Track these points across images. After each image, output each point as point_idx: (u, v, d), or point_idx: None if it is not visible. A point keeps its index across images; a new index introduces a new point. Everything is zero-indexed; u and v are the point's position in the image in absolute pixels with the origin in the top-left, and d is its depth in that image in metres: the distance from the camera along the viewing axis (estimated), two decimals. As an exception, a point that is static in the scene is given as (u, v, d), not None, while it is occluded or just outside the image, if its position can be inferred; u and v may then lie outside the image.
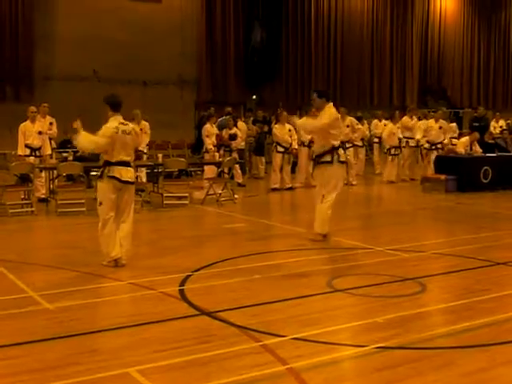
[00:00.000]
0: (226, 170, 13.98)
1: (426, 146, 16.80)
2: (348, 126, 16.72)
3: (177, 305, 5.99)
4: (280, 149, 15.39)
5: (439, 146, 16.90)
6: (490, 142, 17.64)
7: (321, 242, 8.70)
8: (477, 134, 16.52)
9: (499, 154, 16.49)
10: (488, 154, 15.95)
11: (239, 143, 16.67)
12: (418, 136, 16.92)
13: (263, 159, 18.50)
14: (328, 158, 8.63)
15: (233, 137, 16.44)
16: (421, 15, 28.42)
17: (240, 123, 17.75)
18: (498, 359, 4.71)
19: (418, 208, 12.99)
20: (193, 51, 22.51)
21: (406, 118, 17.66)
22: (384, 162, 17.83)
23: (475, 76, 30.14)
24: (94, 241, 9.00)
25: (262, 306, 5.94)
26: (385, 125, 18.89)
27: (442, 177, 14.95)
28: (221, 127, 16.35)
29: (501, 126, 22.09)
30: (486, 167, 15.06)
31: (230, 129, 16.59)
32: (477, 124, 19.65)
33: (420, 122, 17.56)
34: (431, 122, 17.09)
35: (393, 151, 17.17)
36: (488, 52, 30.37)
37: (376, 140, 19.70)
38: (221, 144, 16.00)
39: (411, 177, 17.50)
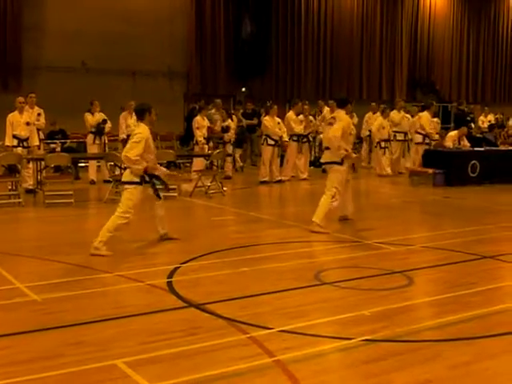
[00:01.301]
0: (216, 163, 13.96)
1: (426, 140, 16.90)
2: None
3: (165, 297, 5.99)
4: (270, 141, 15.36)
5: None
6: (478, 136, 17.72)
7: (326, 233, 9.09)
8: (465, 129, 16.60)
9: (487, 148, 16.56)
10: (476, 148, 16.03)
11: (232, 136, 16.71)
12: (431, 130, 16.97)
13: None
14: None
15: (225, 129, 16.45)
16: (410, 8, 28.41)
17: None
18: (484, 352, 4.74)
19: (405, 202, 13.03)
20: (182, 43, 22.42)
21: (394, 112, 17.69)
22: (376, 156, 17.81)
23: (464, 70, 30.21)
24: (82, 232, 9.01)
25: (250, 299, 5.95)
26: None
27: (430, 171, 15.01)
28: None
29: (489, 121, 22.17)
30: (473, 161, 15.14)
31: (224, 121, 16.62)
32: (469, 118, 19.75)
33: (421, 114, 17.54)
34: (427, 115, 17.13)
35: (383, 145, 17.22)
36: (477, 46, 30.44)
37: (367, 133, 19.68)
38: (210, 136, 15.99)
39: (399, 170, 17.57)
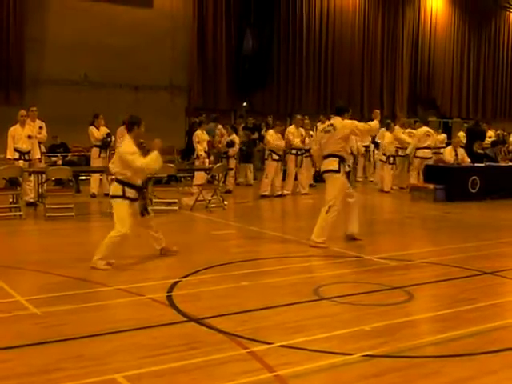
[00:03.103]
0: (217, 177, 13.97)
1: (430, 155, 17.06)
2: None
3: (164, 311, 5.98)
4: (275, 157, 15.43)
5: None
6: (480, 152, 17.75)
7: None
8: (458, 139, 16.76)
9: (487, 163, 16.59)
10: (476, 164, 16.06)
11: (236, 150, 16.76)
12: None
13: (251, 166, 18.53)
14: None
15: (230, 144, 16.51)
16: (411, 25, 28.58)
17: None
18: (484, 368, 4.73)
19: (406, 217, 13.05)
20: (184, 57, 22.54)
21: (398, 129, 17.67)
22: (381, 172, 17.71)
23: (465, 86, 30.34)
24: (83, 246, 9.01)
25: (250, 313, 5.94)
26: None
27: (431, 186, 15.02)
28: (208, 134, 16.45)
29: (489, 137, 22.18)
30: (474, 177, 15.16)
31: (229, 135, 16.70)
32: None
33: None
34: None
35: (391, 160, 17.20)
36: (478, 62, 30.59)
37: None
38: (210, 150, 16.05)
39: (400, 186, 17.58)
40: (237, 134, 17.31)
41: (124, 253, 8.03)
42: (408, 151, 17.46)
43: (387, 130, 17.51)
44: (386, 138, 17.34)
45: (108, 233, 7.69)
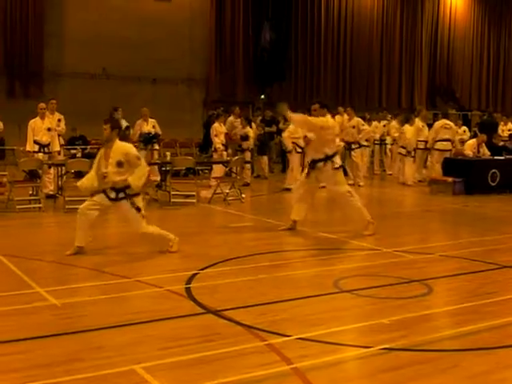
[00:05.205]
0: (235, 170, 13.96)
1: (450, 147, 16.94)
2: (354, 127, 16.82)
3: (183, 303, 6.00)
4: (298, 149, 15.38)
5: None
6: (500, 144, 17.57)
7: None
8: (484, 136, 16.46)
9: (507, 156, 16.43)
10: (496, 157, 15.91)
11: (251, 144, 16.71)
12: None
13: (266, 159, 18.48)
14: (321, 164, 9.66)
15: (245, 137, 16.49)
16: (431, 16, 28.36)
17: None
18: (502, 362, 4.70)
19: (425, 210, 12.96)
20: (202, 50, 22.56)
21: (418, 121, 17.53)
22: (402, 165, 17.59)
23: (484, 78, 30.06)
24: (101, 238, 9.05)
25: (268, 306, 5.95)
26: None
27: (450, 179, 14.92)
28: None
29: (509, 130, 22.01)
30: (493, 170, 15.02)
31: (244, 128, 16.67)
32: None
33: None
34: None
35: (413, 153, 17.10)
36: (497, 54, 30.28)
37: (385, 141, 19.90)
38: (227, 143, 16.04)
39: (419, 179, 17.46)
40: (251, 127, 17.23)
41: (142, 246, 8.07)
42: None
43: (408, 123, 17.35)
44: (408, 132, 17.12)
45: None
